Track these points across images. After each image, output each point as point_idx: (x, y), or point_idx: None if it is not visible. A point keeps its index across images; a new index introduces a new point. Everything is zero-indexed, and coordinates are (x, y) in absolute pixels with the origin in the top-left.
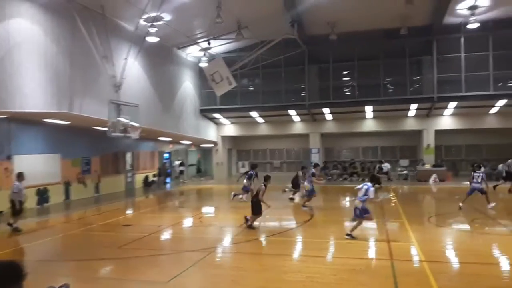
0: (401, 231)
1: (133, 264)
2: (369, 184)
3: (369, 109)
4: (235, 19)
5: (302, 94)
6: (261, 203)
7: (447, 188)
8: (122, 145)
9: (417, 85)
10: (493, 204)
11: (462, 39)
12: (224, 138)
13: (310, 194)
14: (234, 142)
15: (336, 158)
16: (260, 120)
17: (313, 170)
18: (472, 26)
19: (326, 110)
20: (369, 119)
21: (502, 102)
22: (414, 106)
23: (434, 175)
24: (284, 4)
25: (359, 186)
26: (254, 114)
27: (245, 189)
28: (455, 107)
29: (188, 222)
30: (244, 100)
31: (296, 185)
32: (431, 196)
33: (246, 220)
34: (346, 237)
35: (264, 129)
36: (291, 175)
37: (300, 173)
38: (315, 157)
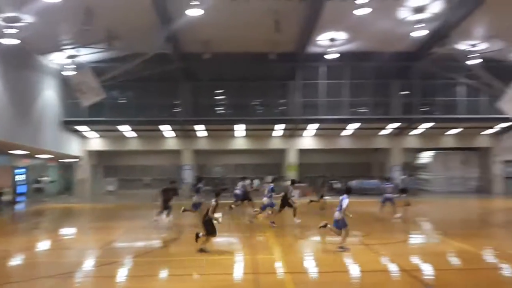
0: (267, 245)
1: None
2: (345, 195)
3: (240, 128)
4: (106, 28)
5: (176, 110)
6: (213, 221)
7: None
8: None
9: (283, 107)
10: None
11: (323, 67)
12: (90, 152)
13: (264, 208)
14: (101, 157)
15: (208, 174)
16: (131, 134)
17: (272, 186)
18: (331, 56)
19: (199, 127)
20: (240, 137)
21: (354, 126)
22: (280, 126)
23: (297, 191)
24: (159, 19)
25: (340, 198)
26: (124, 128)
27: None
28: (315, 129)
29: (43, 245)
30: (114, 113)
31: (246, 198)
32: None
33: (197, 236)
34: (339, 249)
35: (134, 144)
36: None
37: (248, 183)
38: (188, 174)
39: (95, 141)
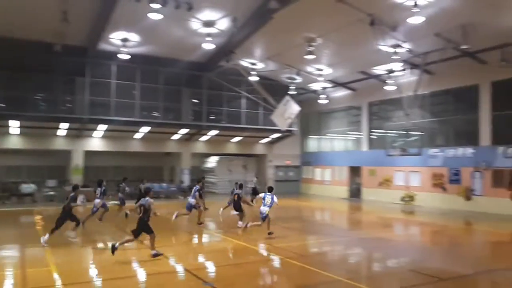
0: (41, 256)
1: None
2: (271, 193)
3: (14, 124)
4: None
5: None
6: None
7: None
8: None
9: (69, 105)
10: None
11: (114, 67)
12: None
13: (189, 208)
14: None
15: None
16: None
17: (198, 186)
18: (123, 56)
19: None
20: (15, 135)
21: (146, 129)
22: (64, 125)
23: (82, 196)
24: None
25: (261, 196)
26: None
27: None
28: (105, 130)
29: None
30: None
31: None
32: (79, 216)
33: (114, 248)
34: (269, 235)
35: None
36: None
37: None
38: None
39: None
